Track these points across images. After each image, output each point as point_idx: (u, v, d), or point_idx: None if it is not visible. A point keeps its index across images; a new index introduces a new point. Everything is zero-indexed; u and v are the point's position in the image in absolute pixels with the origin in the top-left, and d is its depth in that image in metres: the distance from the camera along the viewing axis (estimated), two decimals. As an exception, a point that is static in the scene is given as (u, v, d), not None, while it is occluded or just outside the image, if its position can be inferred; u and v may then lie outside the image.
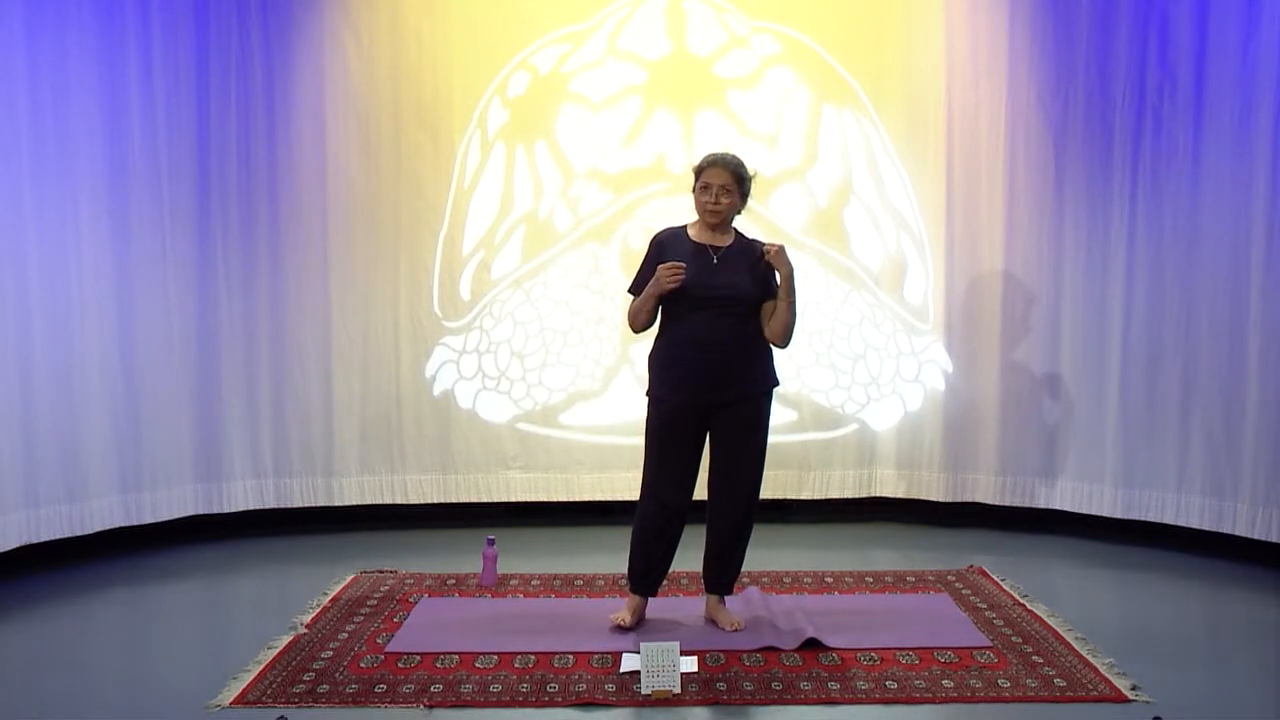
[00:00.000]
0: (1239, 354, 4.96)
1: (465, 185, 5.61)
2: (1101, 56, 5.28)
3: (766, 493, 5.63)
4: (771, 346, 4.10)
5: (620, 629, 4.06)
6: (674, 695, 3.50)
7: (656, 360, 4.08)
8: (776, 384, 4.14)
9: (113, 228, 5.05)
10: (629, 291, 4.14)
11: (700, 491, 4.14)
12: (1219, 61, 4.99)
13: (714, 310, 3.96)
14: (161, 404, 5.24)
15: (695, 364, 3.97)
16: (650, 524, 4.07)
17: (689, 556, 4.22)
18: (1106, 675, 3.66)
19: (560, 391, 5.66)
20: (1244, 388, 4.94)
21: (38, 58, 4.75)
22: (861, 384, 5.72)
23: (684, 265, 3.91)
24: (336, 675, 3.69)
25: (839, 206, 5.66)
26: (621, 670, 3.70)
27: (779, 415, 5.68)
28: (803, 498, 5.74)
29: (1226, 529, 5.02)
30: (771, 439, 5.60)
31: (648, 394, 4.12)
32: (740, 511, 4.12)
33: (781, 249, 4.03)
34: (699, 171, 4.06)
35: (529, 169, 5.62)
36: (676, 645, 3.58)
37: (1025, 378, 5.52)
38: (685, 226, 4.12)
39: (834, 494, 5.75)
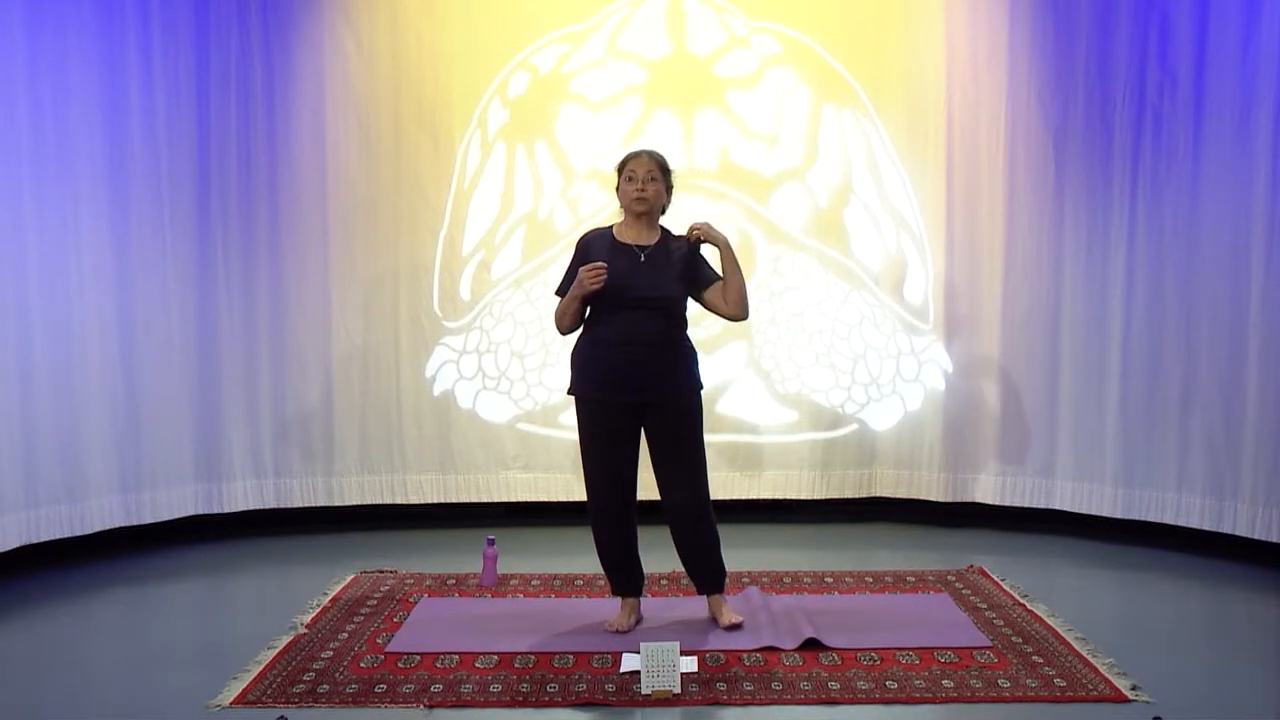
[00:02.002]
0: (1239, 354, 4.96)
1: (465, 185, 5.61)
2: (1101, 56, 5.27)
3: (768, 493, 5.73)
4: (696, 350, 4.06)
5: (618, 633, 4.05)
6: (674, 695, 3.50)
7: (577, 358, 4.04)
8: (701, 386, 4.07)
9: (113, 228, 5.06)
10: (555, 293, 4.07)
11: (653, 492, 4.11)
12: (1219, 61, 4.98)
13: (638, 310, 3.92)
14: (161, 404, 5.24)
15: (616, 362, 3.92)
16: (604, 509, 4.02)
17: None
18: (1106, 675, 3.66)
19: (560, 391, 5.57)
20: (1244, 388, 4.93)
21: (38, 58, 4.75)
22: (861, 384, 5.72)
23: (605, 266, 3.86)
24: (336, 675, 3.69)
25: (839, 206, 5.66)
26: (621, 670, 3.70)
27: (779, 415, 5.73)
28: (803, 498, 5.75)
29: (1226, 529, 5.02)
30: (772, 439, 5.72)
31: (569, 392, 4.08)
32: (693, 511, 4.05)
33: (707, 224, 4.00)
34: (620, 167, 4.05)
35: (529, 169, 5.62)
36: (676, 645, 3.58)
37: (1025, 378, 5.52)
38: (612, 227, 4.08)
39: (834, 494, 5.75)
